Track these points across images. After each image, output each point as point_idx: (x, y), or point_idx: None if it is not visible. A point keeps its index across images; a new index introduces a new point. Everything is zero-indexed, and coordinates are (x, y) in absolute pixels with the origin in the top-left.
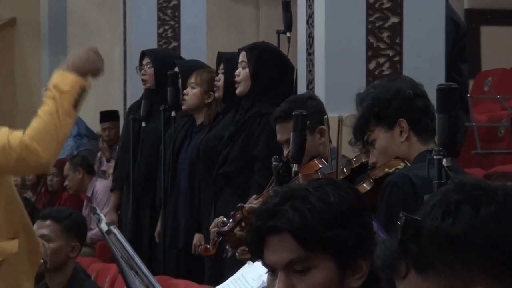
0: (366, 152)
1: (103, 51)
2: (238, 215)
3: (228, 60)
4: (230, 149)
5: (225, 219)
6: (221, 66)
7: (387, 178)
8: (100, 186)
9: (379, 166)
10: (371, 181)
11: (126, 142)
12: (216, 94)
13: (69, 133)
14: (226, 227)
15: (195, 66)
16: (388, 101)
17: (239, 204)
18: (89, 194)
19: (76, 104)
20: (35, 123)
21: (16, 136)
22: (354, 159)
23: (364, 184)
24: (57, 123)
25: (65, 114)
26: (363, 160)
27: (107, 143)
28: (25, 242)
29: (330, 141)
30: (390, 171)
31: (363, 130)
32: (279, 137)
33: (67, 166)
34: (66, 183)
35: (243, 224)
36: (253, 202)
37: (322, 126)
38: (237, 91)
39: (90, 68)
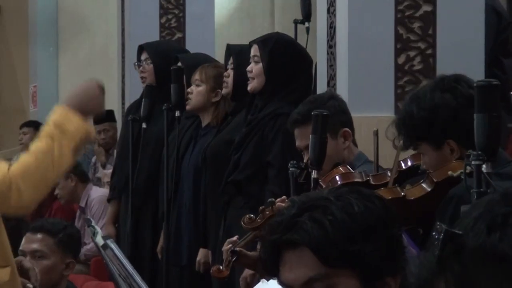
0: (415, 155)
1: (98, 43)
2: (267, 212)
3: (238, 54)
4: (241, 154)
5: (237, 240)
6: (231, 60)
7: (452, 190)
8: (95, 195)
9: (441, 167)
10: (432, 183)
11: (125, 146)
12: (224, 92)
13: (58, 179)
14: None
15: (200, 60)
16: (430, 122)
17: (270, 199)
18: (82, 205)
19: (76, 150)
20: (26, 159)
21: (1, 169)
22: (402, 164)
23: (423, 185)
24: (50, 165)
25: (61, 157)
26: (410, 164)
27: (103, 147)
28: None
29: (355, 145)
30: (455, 174)
31: (407, 146)
32: (298, 143)
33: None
34: (56, 191)
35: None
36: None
37: (346, 129)
38: (248, 88)
39: (93, 108)
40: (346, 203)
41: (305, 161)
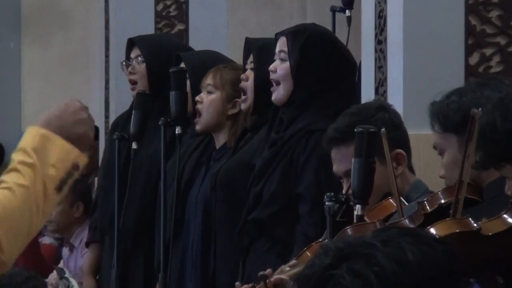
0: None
1: (74, 36)
2: None
3: (260, 50)
4: (263, 185)
5: None
6: (250, 59)
7: None
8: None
9: None
10: None
11: (109, 172)
12: (242, 103)
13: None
14: None
15: (209, 60)
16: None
17: (261, 273)
18: (75, 244)
19: (61, 185)
20: (4, 197)
21: None
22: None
23: (505, 216)
24: (34, 206)
25: (46, 196)
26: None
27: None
28: None
29: (412, 170)
30: None
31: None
32: (335, 167)
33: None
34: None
35: None
36: (285, 269)
37: (400, 150)
38: (273, 97)
39: (79, 136)
40: (397, 249)
41: (344, 190)
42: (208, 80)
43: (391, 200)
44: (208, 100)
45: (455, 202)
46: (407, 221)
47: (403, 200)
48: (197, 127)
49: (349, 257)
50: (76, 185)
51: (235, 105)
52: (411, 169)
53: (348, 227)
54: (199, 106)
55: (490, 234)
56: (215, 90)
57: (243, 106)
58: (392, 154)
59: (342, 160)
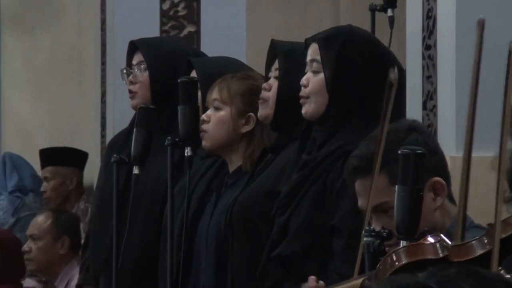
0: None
1: (64, 39)
2: None
3: (288, 55)
4: (289, 215)
5: None
6: (275, 65)
7: None
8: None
9: None
10: None
11: (104, 201)
12: (262, 114)
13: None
14: None
15: (225, 68)
16: None
17: None
18: (60, 286)
19: None
20: None
21: None
22: None
23: (474, 243)
24: None
25: None
26: None
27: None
28: None
29: (452, 200)
30: None
31: None
32: (361, 202)
33: (40, 220)
34: (26, 248)
35: None
36: None
37: (437, 178)
38: (303, 111)
39: None
40: None
41: (377, 228)
42: (214, 94)
43: (430, 238)
44: (216, 118)
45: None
46: None
47: (444, 238)
48: (203, 143)
49: None
50: (60, 215)
51: (249, 120)
52: (452, 199)
53: (397, 249)
54: (205, 126)
55: (456, 260)
56: (223, 106)
57: (261, 113)
58: (429, 183)
59: (368, 193)
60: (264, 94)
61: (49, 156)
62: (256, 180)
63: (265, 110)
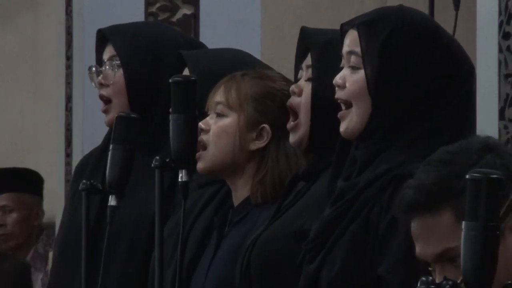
0: None
1: (17, 30)
2: None
3: (324, 49)
4: (322, 261)
5: None
6: (307, 62)
7: None
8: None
9: None
10: None
11: (71, 245)
12: (290, 128)
13: None
14: None
15: (230, 64)
16: None
17: None
18: None
19: None
20: None
21: None
22: None
23: None
24: None
25: None
26: None
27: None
28: None
29: None
30: None
31: None
32: (420, 248)
33: None
34: None
35: None
36: None
37: None
38: (342, 128)
39: None
40: None
41: (438, 279)
42: (218, 96)
43: None
44: (217, 128)
45: None
46: None
47: None
48: (199, 165)
49: None
50: (6, 260)
51: (262, 134)
52: None
53: None
54: (204, 137)
55: None
56: (229, 112)
57: (293, 138)
58: (508, 221)
59: (431, 238)
60: (293, 100)
61: (6, 178)
62: (282, 217)
63: (296, 134)
